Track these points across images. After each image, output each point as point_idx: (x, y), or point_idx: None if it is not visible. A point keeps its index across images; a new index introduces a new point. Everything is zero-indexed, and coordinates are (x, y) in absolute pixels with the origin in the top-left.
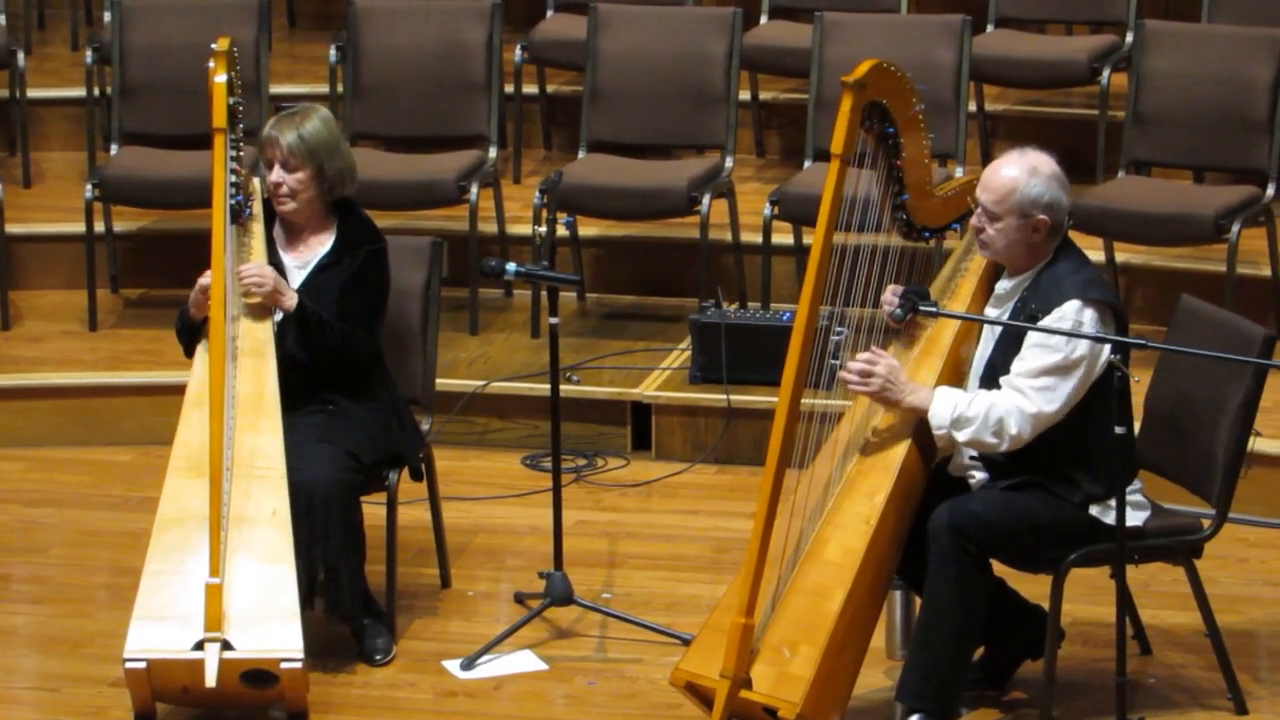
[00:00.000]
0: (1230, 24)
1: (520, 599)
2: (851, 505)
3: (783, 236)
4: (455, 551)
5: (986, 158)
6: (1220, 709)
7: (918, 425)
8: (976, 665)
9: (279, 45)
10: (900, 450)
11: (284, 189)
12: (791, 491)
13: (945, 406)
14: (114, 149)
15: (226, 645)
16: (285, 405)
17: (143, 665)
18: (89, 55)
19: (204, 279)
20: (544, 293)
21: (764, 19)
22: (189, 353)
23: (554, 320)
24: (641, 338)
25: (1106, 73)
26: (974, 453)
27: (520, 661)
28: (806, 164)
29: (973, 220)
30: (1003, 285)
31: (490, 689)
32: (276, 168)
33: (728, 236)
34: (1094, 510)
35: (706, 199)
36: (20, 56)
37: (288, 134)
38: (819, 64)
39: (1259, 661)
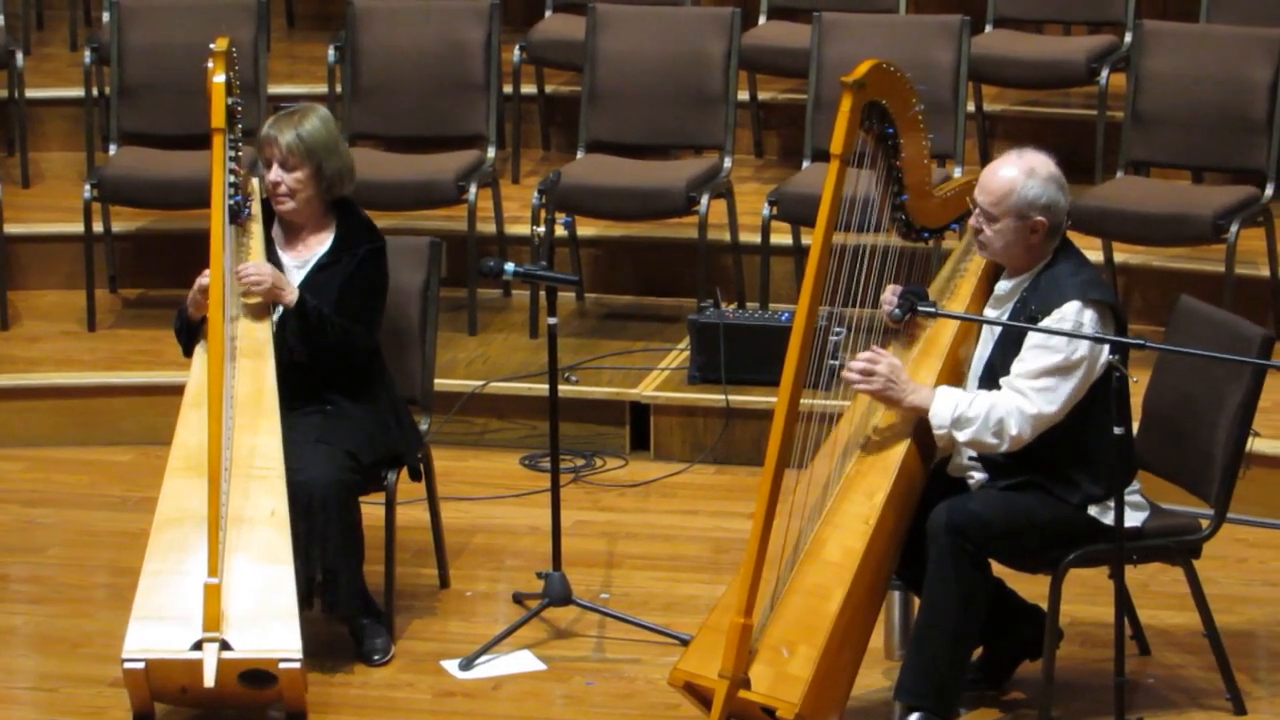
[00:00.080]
0: (1229, 24)
1: (519, 599)
2: (850, 505)
3: (781, 237)
4: (454, 552)
5: (985, 158)
6: (1219, 709)
7: (917, 425)
8: (975, 665)
9: (278, 45)
10: (899, 450)
11: (283, 188)
12: (790, 491)
13: (946, 406)
14: (113, 149)
15: (225, 645)
16: (284, 405)
17: (141, 665)
18: (88, 55)
19: (202, 278)
20: (542, 293)
21: (762, 19)
22: (187, 352)
23: (552, 320)
24: (640, 338)
25: (1105, 73)
26: (973, 453)
27: (519, 662)
28: (805, 164)
29: (971, 221)
30: (1002, 286)
31: (489, 689)
32: (275, 167)
33: (726, 237)
34: (1093, 510)
35: (705, 199)
36: (19, 56)
37: (286, 133)
38: (817, 64)
39: (1257, 662)
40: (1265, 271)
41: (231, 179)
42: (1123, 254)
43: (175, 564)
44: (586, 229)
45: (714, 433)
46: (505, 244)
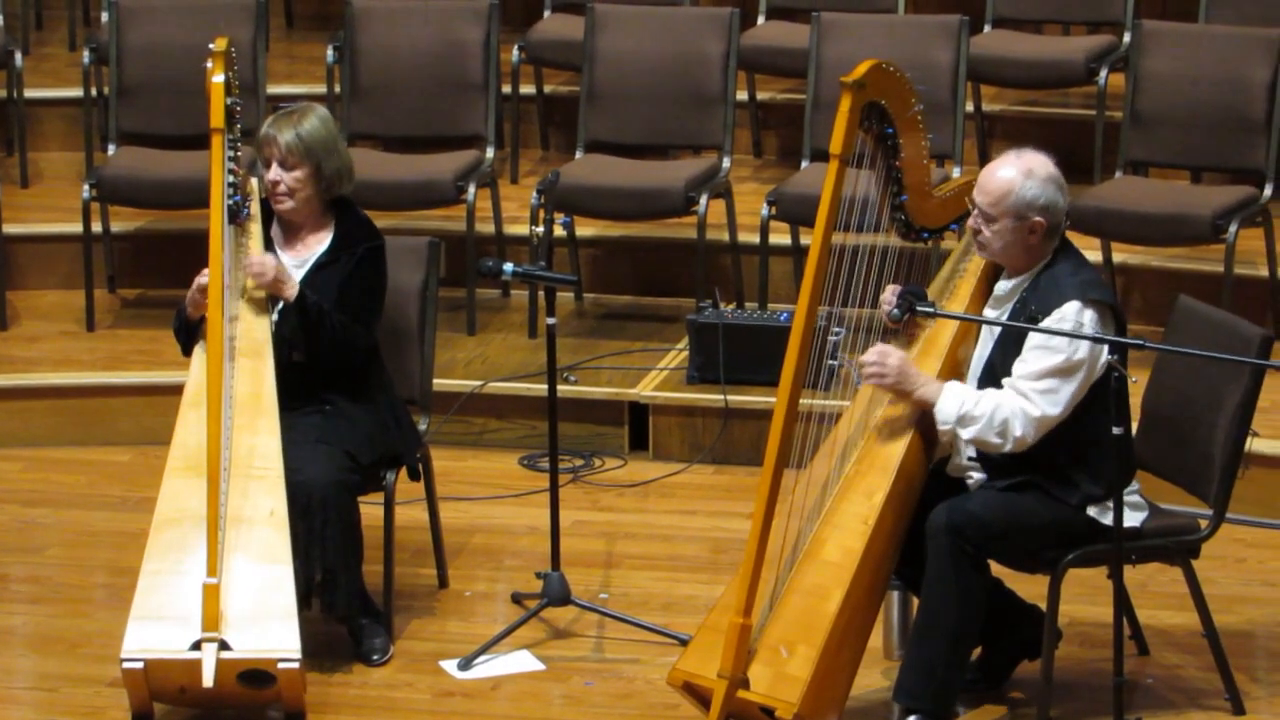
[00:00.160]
0: (1227, 24)
1: (517, 599)
2: (849, 505)
3: (780, 237)
4: (453, 552)
5: (984, 158)
6: (1217, 709)
7: (916, 425)
8: (974, 665)
9: (276, 45)
10: (898, 450)
11: (282, 187)
12: (789, 491)
13: (952, 403)
14: (111, 149)
15: (224, 645)
16: (283, 405)
17: (140, 665)
18: (86, 55)
19: (201, 277)
20: (541, 293)
21: (761, 19)
22: (186, 351)
23: (551, 320)
24: (639, 338)
25: (1104, 73)
26: (972, 453)
27: (517, 662)
28: (804, 164)
29: (970, 222)
30: (1002, 286)
31: (487, 689)
32: (274, 166)
33: (725, 237)
34: (1092, 511)
35: (704, 199)
36: (18, 57)
37: (286, 132)
38: (816, 64)
39: (1256, 662)
40: (1264, 271)
41: (230, 179)
42: (1121, 254)
43: (174, 564)
44: (585, 229)
45: (713, 433)
46: (504, 244)
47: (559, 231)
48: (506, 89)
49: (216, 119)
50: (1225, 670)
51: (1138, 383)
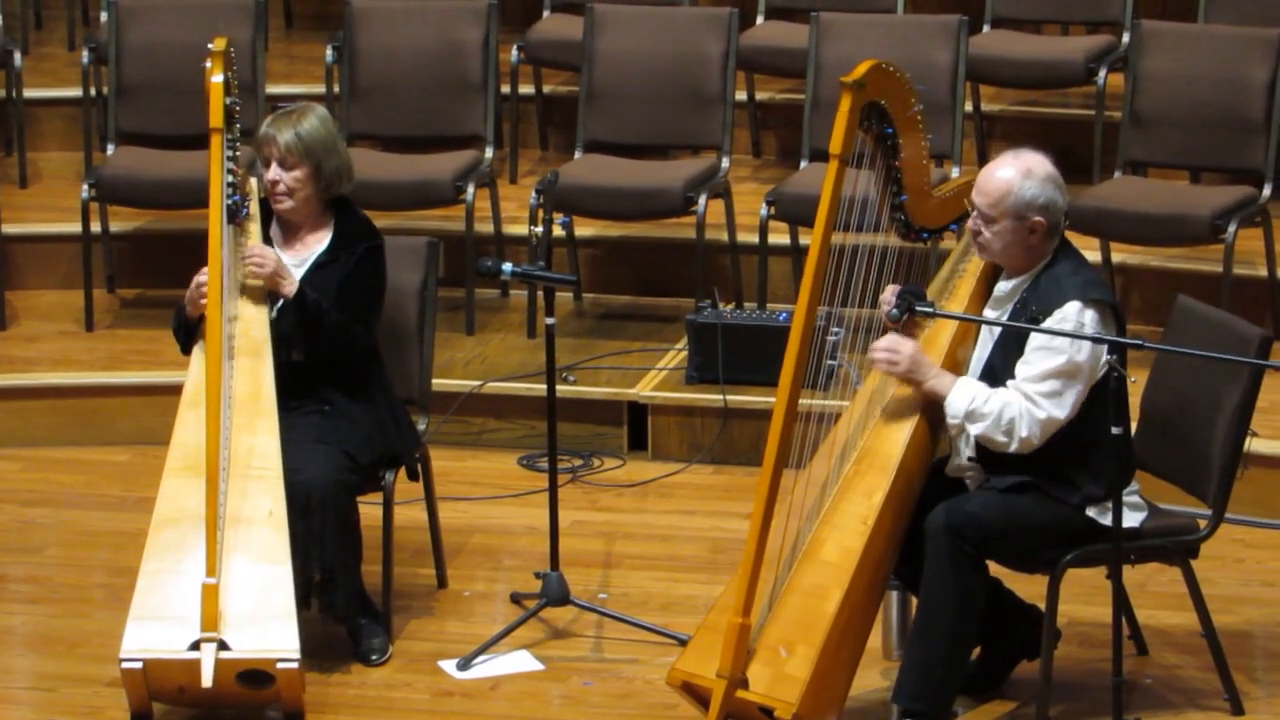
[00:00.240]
0: (1226, 24)
1: (516, 599)
2: (849, 505)
3: (779, 237)
4: (451, 552)
5: (983, 158)
6: (1216, 709)
7: (916, 425)
8: (973, 665)
9: (276, 45)
10: (898, 450)
11: (281, 187)
12: (788, 491)
13: (963, 398)
14: (110, 149)
15: (223, 645)
16: (282, 405)
17: (139, 665)
18: (85, 55)
19: (200, 276)
20: (540, 293)
21: (760, 19)
22: (185, 350)
23: (550, 320)
24: (638, 338)
25: (1103, 73)
26: (971, 454)
27: (516, 662)
28: (803, 164)
29: (969, 224)
30: (1001, 287)
31: (486, 689)
32: (274, 165)
33: (724, 237)
34: (1091, 511)
35: (703, 199)
36: (17, 56)
37: (285, 132)
38: (815, 64)
39: (1255, 662)
40: (1263, 271)
41: (229, 179)
42: (1120, 254)
43: (173, 564)
44: (584, 229)
45: (712, 433)
46: (503, 244)
47: (558, 231)
48: (505, 89)
49: (216, 119)
50: (1224, 670)
51: (1137, 383)
